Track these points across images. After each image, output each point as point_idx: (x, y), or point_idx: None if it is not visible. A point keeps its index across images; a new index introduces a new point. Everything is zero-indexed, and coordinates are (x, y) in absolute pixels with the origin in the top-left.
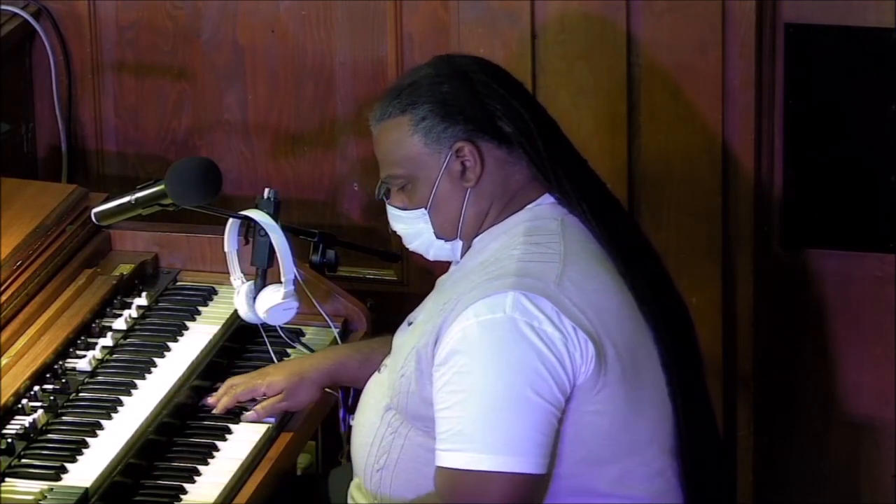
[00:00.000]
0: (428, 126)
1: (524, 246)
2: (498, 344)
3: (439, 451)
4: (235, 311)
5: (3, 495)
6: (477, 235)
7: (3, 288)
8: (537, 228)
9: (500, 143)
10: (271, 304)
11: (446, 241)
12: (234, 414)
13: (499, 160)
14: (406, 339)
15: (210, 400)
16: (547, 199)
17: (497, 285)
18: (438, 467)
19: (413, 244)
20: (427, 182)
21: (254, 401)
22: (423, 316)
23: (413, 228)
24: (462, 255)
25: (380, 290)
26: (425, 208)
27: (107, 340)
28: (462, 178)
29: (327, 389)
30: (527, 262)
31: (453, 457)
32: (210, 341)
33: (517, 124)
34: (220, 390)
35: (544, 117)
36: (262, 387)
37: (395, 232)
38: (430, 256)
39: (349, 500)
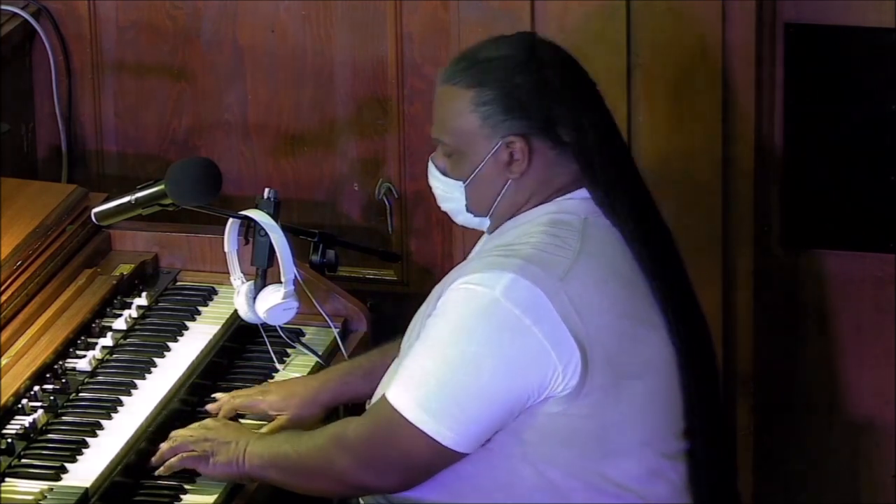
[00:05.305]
0: (489, 112)
1: (542, 235)
2: (472, 317)
3: (392, 383)
4: (235, 311)
5: (3, 495)
6: (507, 220)
7: (3, 288)
8: (559, 221)
9: (555, 145)
10: (271, 304)
11: (475, 216)
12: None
13: (549, 160)
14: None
15: (209, 407)
16: (578, 194)
17: (502, 263)
18: (384, 394)
19: (444, 206)
20: (472, 160)
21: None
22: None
23: (448, 193)
24: (489, 231)
25: (380, 290)
26: (464, 182)
27: (107, 340)
28: (507, 168)
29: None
30: (540, 250)
31: (396, 392)
32: (210, 341)
33: (578, 136)
34: (222, 399)
35: (606, 127)
36: (263, 403)
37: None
38: (458, 222)
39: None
